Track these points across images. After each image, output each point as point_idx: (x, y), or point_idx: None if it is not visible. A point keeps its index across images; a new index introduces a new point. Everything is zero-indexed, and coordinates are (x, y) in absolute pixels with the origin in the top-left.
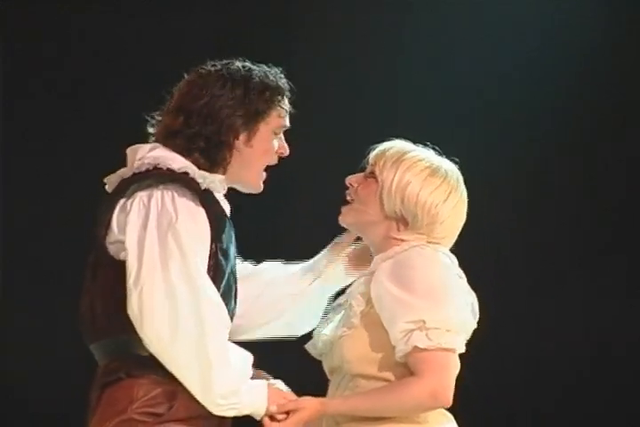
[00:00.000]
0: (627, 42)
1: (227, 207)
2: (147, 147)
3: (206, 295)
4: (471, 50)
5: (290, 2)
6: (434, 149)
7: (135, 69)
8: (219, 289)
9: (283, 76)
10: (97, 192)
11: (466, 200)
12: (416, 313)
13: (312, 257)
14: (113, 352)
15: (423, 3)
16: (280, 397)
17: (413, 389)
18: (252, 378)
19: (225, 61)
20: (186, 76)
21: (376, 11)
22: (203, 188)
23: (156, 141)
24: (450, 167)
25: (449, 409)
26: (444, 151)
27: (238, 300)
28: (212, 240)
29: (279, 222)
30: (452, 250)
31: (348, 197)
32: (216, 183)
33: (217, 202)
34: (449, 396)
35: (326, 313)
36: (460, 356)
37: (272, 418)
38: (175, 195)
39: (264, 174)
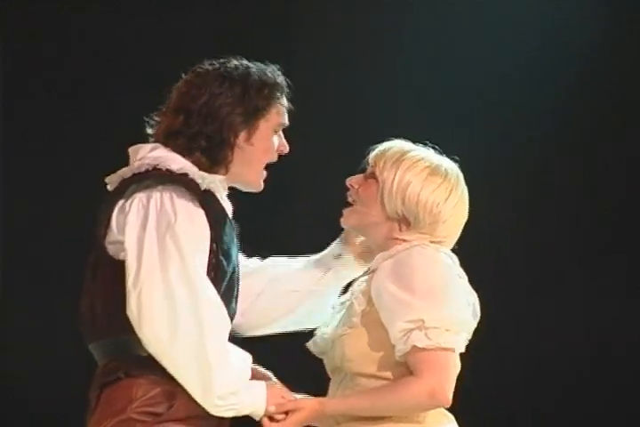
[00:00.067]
0: (627, 42)
1: (229, 207)
2: (147, 147)
3: (205, 297)
4: (471, 50)
5: (290, 2)
6: (434, 148)
7: (135, 69)
8: (220, 289)
9: (280, 73)
10: (97, 192)
11: (467, 198)
12: (415, 312)
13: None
14: (112, 352)
15: (423, 3)
16: (279, 397)
17: (412, 388)
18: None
19: (222, 60)
20: (184, 76)
21: (376, 11)
22: (203, 188)
23: (156, 142)
24: (450, 166)
25: (449, 409)
26: (445, 151)
27: (240, 298)
28: (213, 241)
29: (279, 222)
30: (453, 250)
31: (350, 199)
32: (216, 183)
33: (218, 202)
34: (448, 395)
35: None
36: (460, 356)
37: (271, 418)
38: (174, 196)
39: (264, 173)
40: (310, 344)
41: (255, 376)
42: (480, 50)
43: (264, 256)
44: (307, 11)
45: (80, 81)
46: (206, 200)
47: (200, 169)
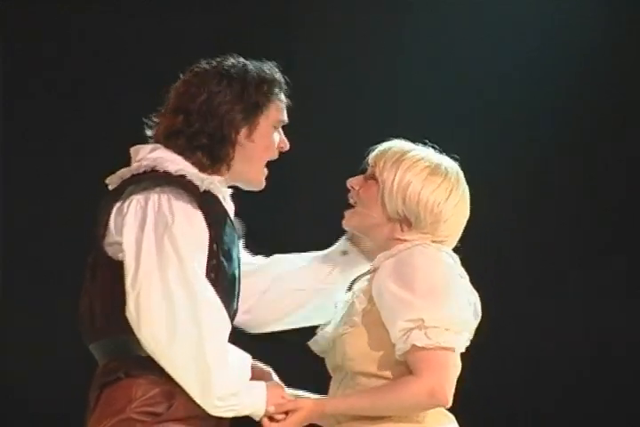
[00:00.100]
0: (627, 42)
1: (231, 208)
2: (148, 147)
3: (204, 298)
4: (471, 50)
5: (290, 2)
6: (433, 147)
7: (135, 69)
8: (221, 290)
9: (278, 70)
10: (97, 192)
11: (468, 197)
12: (416, 312)
13: None
14: (112, 352)
15: (423, 3)
16: (279, 397)
17: (412, 387)
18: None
19: (219, 59)
20: (182, 76)
21: (376, 11)
22: (202, 189)
23: (156, 143)
24: (450, 165)
25: (448, 409)
26: (445, 151)
27: (245, 295)
28: (213, 242)
29: (279, 222)
30: (452, 249)
31: (351, 201)
32: (215, 184)
33: (218, 203)
34: (448, 395)
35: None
36: (461, 356)
37: (271, 418)
38: (172, 197)
39: (266, 171)
40: (311, 343)
41: (255, 372)
42: (480, 50)
43: (264, 255)
44: (307, 11)
45: (80, 81)
46: (206, 201)
47: (201, 169)
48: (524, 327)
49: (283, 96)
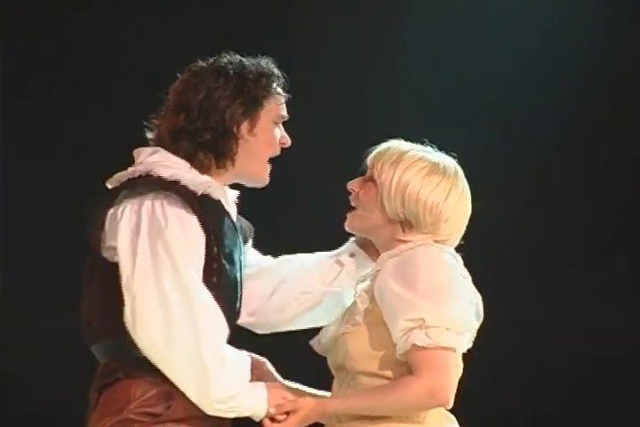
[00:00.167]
0: (627, 42)
1: (233, 210)
2: (148, 150)
3: (200, 302)
4: (471, 50)
5: (290, 2)
6: (431, 146)
7: (135, 69)
8: (223, 293)
9: (274, 66)
10: (97, 192)
11: (468, 195)
12: (417, 311)
13: None
14: (112, 353)
15: (423, 3)
16: (280, 397)
17: (412, 387)
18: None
19: (215, 57)
20: (180, 75)
21: (376, 11)
22: (200, 193)
23: (158, 145)
24: (448, 163)
25: (449, 409)
26: (444, 152)
27: (251, 298)
28: (213, 245)
29: (279, 222)
30: (455, 248)
31: (352, 203)
32: (214, 188)
33: (218, 206)
34: (448, 395)
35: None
36: (461, 356)
37: (272, 419)
38: (165, 203)
39: (269, 167)
40: (314, 342)
41: (251, 365)
42: (480, 50)
43: (264, 255)
44: (307, 11)
45: (80, 81)
46: (203, 206)
47: (206, 169)
48: (524, 327)
49: (282, 91)
